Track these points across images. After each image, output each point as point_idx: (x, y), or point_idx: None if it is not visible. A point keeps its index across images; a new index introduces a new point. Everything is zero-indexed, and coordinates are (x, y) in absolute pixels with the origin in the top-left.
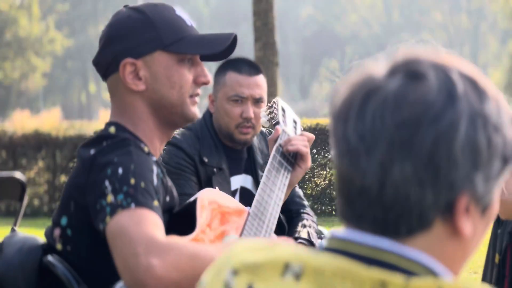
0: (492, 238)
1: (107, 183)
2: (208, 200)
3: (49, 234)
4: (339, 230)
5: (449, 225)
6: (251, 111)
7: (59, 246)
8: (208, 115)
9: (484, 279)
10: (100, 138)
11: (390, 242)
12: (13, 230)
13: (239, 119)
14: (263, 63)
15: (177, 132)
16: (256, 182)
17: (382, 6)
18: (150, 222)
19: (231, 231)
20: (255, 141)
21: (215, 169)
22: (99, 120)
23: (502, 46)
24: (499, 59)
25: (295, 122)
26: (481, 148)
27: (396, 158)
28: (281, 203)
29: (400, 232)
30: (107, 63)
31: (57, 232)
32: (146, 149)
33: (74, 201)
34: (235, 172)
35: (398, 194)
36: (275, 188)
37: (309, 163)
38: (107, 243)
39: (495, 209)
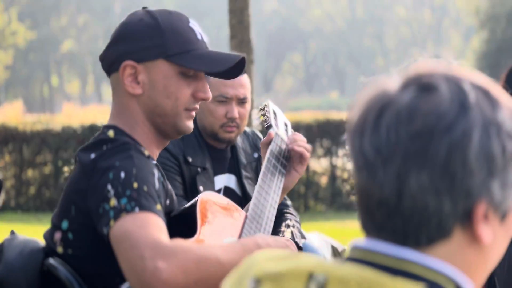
0: None
1: (109, 187)
2: (208, 203)
3: (48, 237)
4: (361, 240)
5: (468, 233)
6: (235, 111)
7: (60, 250)
8: None
9: None
10: (100, 142)
11: (413, 253)
12: (12, 232)
13: (223, 119)
14: None
15: None
16: (240, 182)
17: (346, 1)
18: (155, 225)
19: (230, 234)
20: (239, 140)
21: (199, 169)
22: (62, 112)
23: (465, 42)
24: (463, 55)
25: (286, 125)
26: (495, 156)
27: (412, 169)
28: (276, 206)
29: (421, 242)
30: (111, 61)
31: (57, 235)
32: (146, 152)
33: (75, 205)
34: (219, 171)
35: (416, 204)
36: (270, 191)
37: (305, 167)
38: (110, 247)
39: None
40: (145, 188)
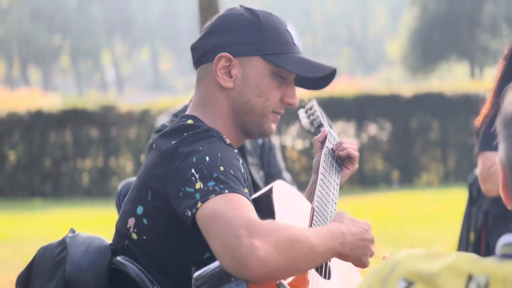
0: (466, 217)
1: (193, 170)
2: (281, 191)
3: (121, 225)
4: None
5: None
6: None
7: (134, 236)
8: None
9: None
10: (180, 128)
11: None
12: (72, 231)
13: None
14: None
15: (165, 119)
16: (246, 168)
17: None
18: (246, 206)
19: (300, 224)
20: None
21: None
22: None
23: (393, 19)
24: (394, 31)
25: (330, 126)
26: None
27: None
28: (337, 202)
29: None
30: (204, 51)
31: (131, 221)
32: (227, 140)
33: (151, 190)
34: None
35: None
36: (330, 186)
37: (356, 165)
38: (186, 233)
39: None
40: (232, 172)
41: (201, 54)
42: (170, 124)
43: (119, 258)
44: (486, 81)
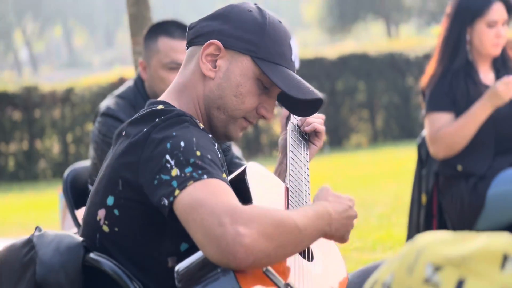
0: (416, 179)
1: (168, 157)
2: (255, 172)
3: (90, 217)
4: None
5: None
6: None
7: (105, 228)
8: (140, 82)
9: (410, 221)
10: (152, 114)
11: None
12: (39, 229)
13: None
14: (137, 19)
15: (110, 102)
16: None
17: None
18: (227, 192)
19: (277, 205)
20: None
21: None
22: None
23: None
24: None
25: None
26: None
27: None
28: (309, 180)
29: None
30: (199, 33)
31: (102, 213)
32: (201, 125)
33: (122, 179)
34: None
35: None
36: (301, 164)
37: (322, 140)
38: (159, 223)
39: None
40: (209, 156)
41: (195, 35)
42: (116, 106)
43: (92, 255)
44: (403, 38)
